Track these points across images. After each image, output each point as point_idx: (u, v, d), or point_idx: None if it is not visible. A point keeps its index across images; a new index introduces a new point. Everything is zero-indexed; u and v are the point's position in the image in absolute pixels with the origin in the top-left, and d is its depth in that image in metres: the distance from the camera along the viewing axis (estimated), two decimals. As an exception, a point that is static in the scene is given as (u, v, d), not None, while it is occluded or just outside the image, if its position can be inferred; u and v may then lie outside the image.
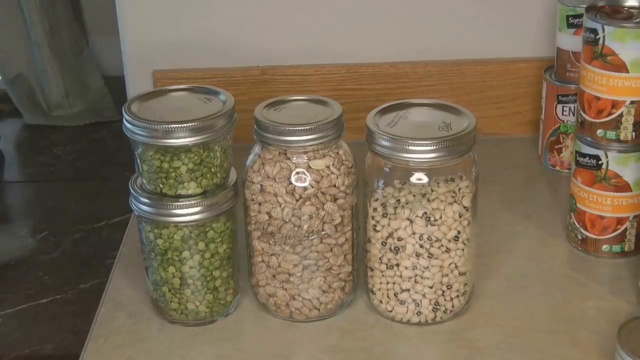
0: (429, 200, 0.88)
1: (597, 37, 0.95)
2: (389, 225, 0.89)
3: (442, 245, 0.89)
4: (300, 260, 0.91)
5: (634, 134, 0.97)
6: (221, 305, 0.94)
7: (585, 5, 1.00)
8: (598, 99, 0.97)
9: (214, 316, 0.94)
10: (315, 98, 0.94)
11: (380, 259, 0.91)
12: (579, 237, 1.04)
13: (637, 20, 0.96)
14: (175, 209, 0.89)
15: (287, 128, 0.87)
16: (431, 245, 0.89)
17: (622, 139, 0.98)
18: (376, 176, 0.90)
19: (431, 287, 0.91)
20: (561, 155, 1.22)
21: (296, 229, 0.89)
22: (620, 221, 1.01)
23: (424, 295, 0.91)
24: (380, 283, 0.92)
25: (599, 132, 0.98)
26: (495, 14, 1.29)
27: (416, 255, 0.89)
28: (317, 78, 1.29)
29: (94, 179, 2.82)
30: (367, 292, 0.95)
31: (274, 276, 0.92)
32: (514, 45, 1.31)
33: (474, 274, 0.94)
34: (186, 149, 0.88)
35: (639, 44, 0.94)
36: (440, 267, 0.90)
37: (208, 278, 0.92)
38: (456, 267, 0.91)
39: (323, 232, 0.90)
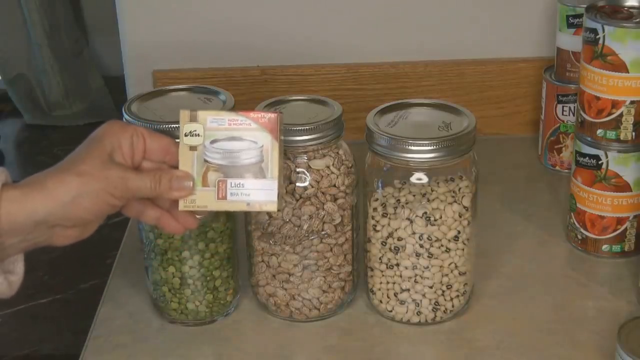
0: (429, 200, 0.88)
1: (597, 37, 0.95)
2: (389, 225, 0.89)
3: (442, 245, 0.89)
4: (300, 260, 0.91)
5: (634, 134, 0.97)
6: (221, 305, 0.94)
7: (585, 5, 1.00)
8: (598, 99, 0.97)
9: (214, 316, 0.94)
10: (315, 98, 0.94)
11: (380, 258, 0.91)
12: (579, 237, 1.04)
13: (637, 20, 0.96)
14: (175, 208, 0.89)
15: (287, 128, 0.87)
16: (431, 245, 0.89)
17: (622, 139, 0.98)
18: (376, 176, 0.90)
19: (431, 287, 0.91)
20: (561, 155, 1.22)
21: (296, 228, 0.89)
22: (620, 221, 1.01)
23: (424, 295, 0.91)
24: (380, 283, 0.92)
25: (599, 132, 0.98)
26: (495, 14, 1.29)
27: (416, 255, 0.89)
28: (317, 78, 1.29)
29: (94, 179, 2.80)
30: (367, 292, 0.95)
31: (274, 276, 0.92)
32: (514, 45, 1.31)
33: (474, 274, 0.94)
34: (186, 148, 0.88)
35: (639, 44, 0.94)
36: (440, 267, 0.90)
37: (208, 278, 0.92)
38: (456, 267, 0.91)
39: (323, 232, 0.90)
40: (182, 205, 0.78)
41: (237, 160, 0.78)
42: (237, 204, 0.78)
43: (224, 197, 0.78)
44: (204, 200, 0.78)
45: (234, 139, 0.78)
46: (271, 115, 0.78)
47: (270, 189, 0.78)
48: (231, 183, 0.78)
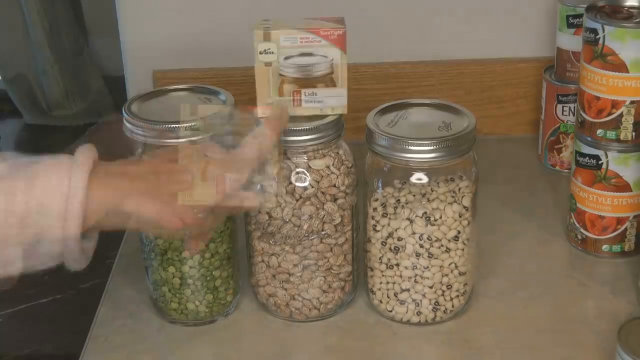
0: (429, 200, 0.88)
1: (597, 37, 0.95)
2: (389, 225, 0.89)
3: (442, 245, 0.89)
4: (300, 260, 0.90)
5: (634, 134, 0.97)
6: (221, 305, 0.94)
7: (585, 5, 1.00)
8: (598, 99, 0.97)
9: (214, 316, 0.94)
10: (316, 98, 0.94)
11: (380, 258, 0.91)
12: (579, 237, 1.04)
13: (637, 20, 0.96)
14: (175, 208, 0.89)
15: (287, 128, 0.87)
16: (431, 245, 0.89)
17: (622, 139, 0.98)
18: (376, 176, 0.90)
19: (431, 287, 0.91)
20: (561, 155, 1.22)
21: (296, 229, 0.89)
22: (620, 221, 1.01)
23: (424, 295, 0.91)
24: (380, 283, 0.92)
25: (599, 132, 0.98)
26: (495, 14, 1.29)
27: (416, 255, 0.89)
28: (317, 78, 1.29)
29: (95, 179, 2.80)
30: (367, 292, 0.95)
31: (274, 276, 0.92)
32: (514, 45, 1.31)
33: (474, 274, 0.94)
34: (186, 148, 0.87)
35: (639, 44, 0.94)
36: (440, 267, 0.90)
37: (208, 278, 0.92)
38: (456, 267, 0.91)
39: (323, 232, 0.90)
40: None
41: (310, 72, 0.86)
42: (311, 109, 0.88)
43: (299, 105, 0.87)
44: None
45: (306, 55, 0.86)
46: (339, 32, 0.85)
47: (341, 96, 0.87)
48: (305, 92, 0.87)
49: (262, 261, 0.92)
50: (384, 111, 0.92)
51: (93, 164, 0.71)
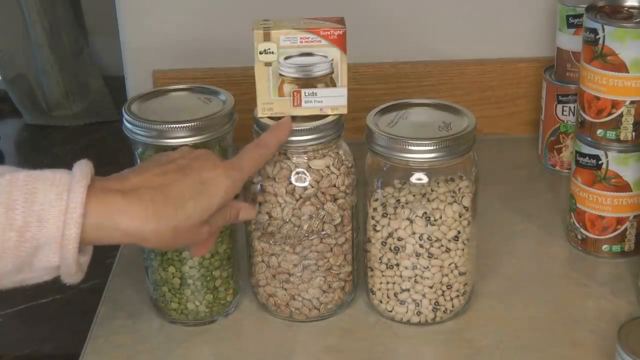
0: (429, 200, 0.88)
1: (597, 37, 0.95)
2: (389, 225, 0.89)
3: (442, 245, 0.89)
4: (300, 260, 0.91)
5: (634, 134, 0.97)
6: (221, 305, 0.94)
7: (585, 5, 1.00)
8: (598, 99, 0.97)
9: (214, 316, 0.94)
10: (316, 98, 0.94)
11: (380, 258, 0.91)
12: (579, 237, 1.04)
13: (637, 20, 0.96)
14: (175, 209, 0.89)
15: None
16: (431, 245, 0.89)
17: (622, 139, 0.98)
18: (376, 176, 0.90)
19: (431, 287, 0.91)
20: (561, 155, 1.22)
21: (296, 229, 0.89)
22: (620, 221, 1.01)
23: (424, 295, 0.91)
24: (380, 283, 0.92)
25: (599, 132, 0.98)
26: (495, 14, 1.29)
27: (416, 255, 0.89)
28: (317, 78, 1.29)
29: (94, 179, 2.81)
30: (367, 292, 0.95)
31: (274, 276, 0.92)
32: (514, 45, 1.31)
33: (474, 274, 0.94)
34: (186, 149, 0.88)
35: (639, 44, 0.94)
36: (440, 267, 0.90)
37: (208, 278, 0.92)
38: (456, 267, 0.91)
39: (323, 232, 0.90)
40: (260, 113, 0.88)
41: (309, 72, 0.87)
42: (311, 109, 0.88)
43: (299, 105, 0.87)
44: (281, 108, 0.88)
45: (306, 55, 0.86)
46: (339, 32, 0.86)
47: (341, 95, 0.88)
48: (305, 92, 0.87)
49: (262, 261, 0.92)
50: (384, 111, 0.92)
51: (90, 179, 0.71)
